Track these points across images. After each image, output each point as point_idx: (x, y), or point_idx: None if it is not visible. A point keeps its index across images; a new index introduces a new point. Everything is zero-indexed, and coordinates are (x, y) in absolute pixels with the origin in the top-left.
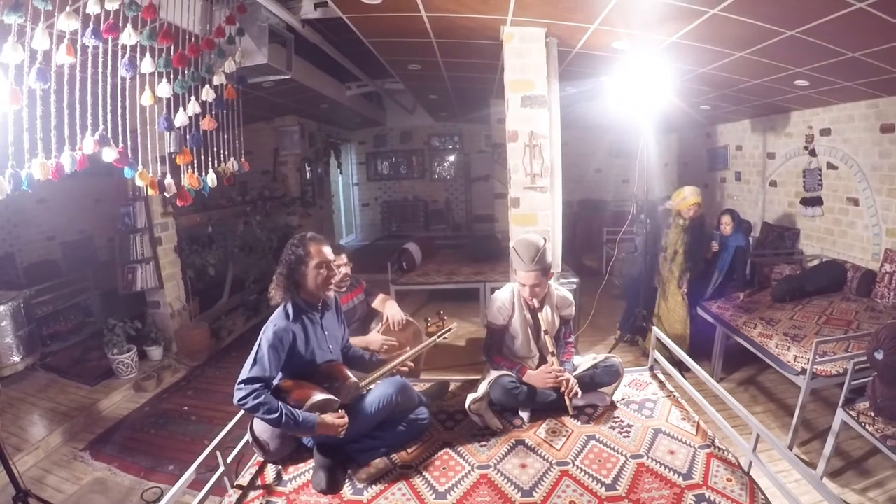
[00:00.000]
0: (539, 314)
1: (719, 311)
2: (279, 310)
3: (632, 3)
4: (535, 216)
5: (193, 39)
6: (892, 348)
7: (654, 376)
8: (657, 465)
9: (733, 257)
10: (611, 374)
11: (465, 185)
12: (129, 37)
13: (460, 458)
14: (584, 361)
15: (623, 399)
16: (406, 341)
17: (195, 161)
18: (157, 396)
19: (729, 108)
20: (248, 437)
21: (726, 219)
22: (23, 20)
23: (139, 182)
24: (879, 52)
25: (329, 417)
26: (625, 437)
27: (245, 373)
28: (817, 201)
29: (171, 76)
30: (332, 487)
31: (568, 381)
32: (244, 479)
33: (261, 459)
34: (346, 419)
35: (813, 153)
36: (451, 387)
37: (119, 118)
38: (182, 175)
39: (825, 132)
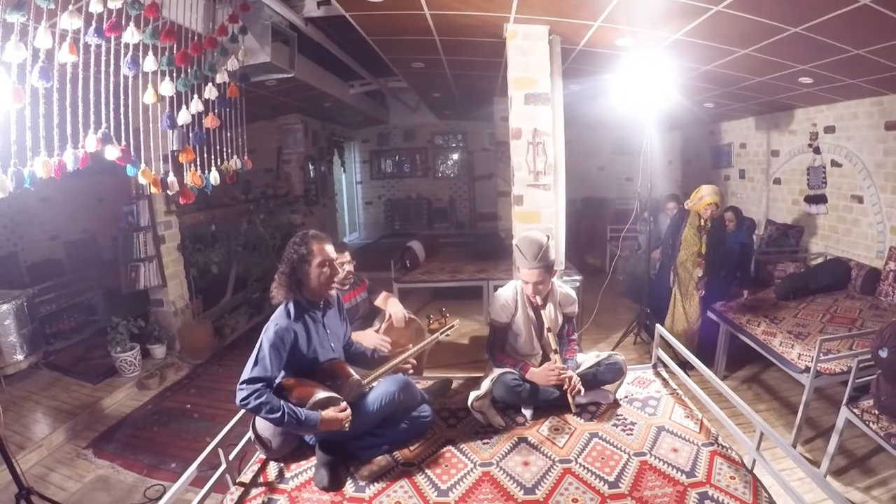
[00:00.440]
0: (542, 311)
1: (723, 308)
2: (280, 309)
3: (635, 0)
4: (538, 214)
5: (196, 38)
6: None
7: (658, 374)
8: (660, 463)
9: (738, 254)
10: (614, 372)
11: (469, 184)
12: (131, 35)
13: (463, 456)
14: (587, 359)
15: (626, 396)
16: (408, 339)
17: (198, 159)
18: (159, 394)
19: (733, 106)
20: (250, 434)
21: (728, 215)
22: (25, 19)
23: (142, 180)
24: (884, 48)
25: (332, 412)
26: (628, 434)
27: (247, 373)
28: (821, 199)
29: (174, 75)
30: (334, 485)
31: (571, 378)
32: (246, 477)
33: (263, 457)
34: (349, 411)
35: (817, 151)
36: (454, 384)
37: (122, 117)
38: (185, 173)
39: (829, 130)
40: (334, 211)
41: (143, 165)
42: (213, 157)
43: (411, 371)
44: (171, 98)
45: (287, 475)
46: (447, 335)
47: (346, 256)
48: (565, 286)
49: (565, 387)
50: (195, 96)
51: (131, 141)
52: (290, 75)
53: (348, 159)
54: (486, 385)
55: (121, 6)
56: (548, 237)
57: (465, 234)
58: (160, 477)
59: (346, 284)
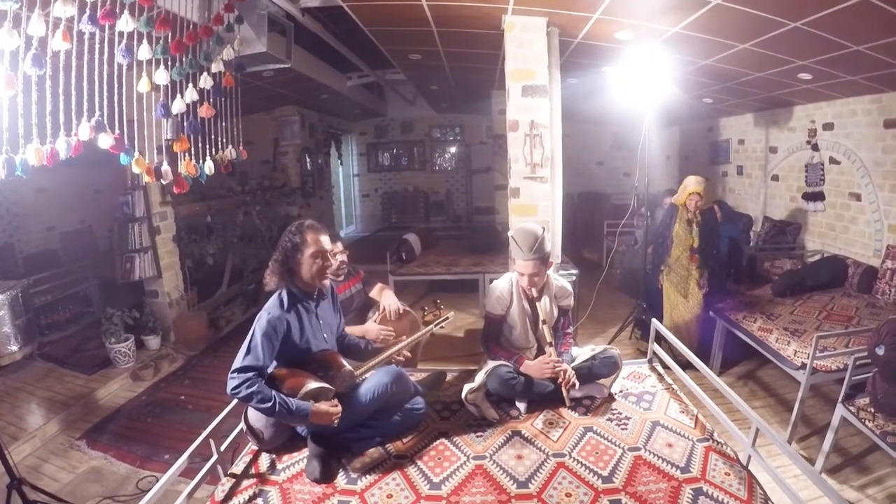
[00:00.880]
0: (537, 304)
1: (719, 304)
2: (273, 298)
3: None
4: (535, 206)
5: (191, 27)
6: (893, 344)
7: (653, 369)
8: (655, 458)
9: (727, 248)
10: (609, 366)
11: (466, 177)
12: (126, 23)
13: (456, 449)
14: (582, 353)
15: (621, 391)
16: (402, 330)
17: (192, 149)
18: (154, 386)
19: (732, 102)
20: (242, 425)
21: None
22: (18, 6)
23: (135, 169)
24: (884, 45)
25: (323, 406)
26: (622, 429)
27: (238, 361)
28: (819, 196)
29: (169, 63)
30: (326, 476)
31: (565, 371)
32: (238, 468)
33: (255, 448)
34: (339, 408)
35: (815, 148)
36: (448, 377)
37: (115, 105)
38: (179, 163)
39: (828, 127)
40: (331, 203)
41: (136, 154)
42: (207, 146)
43: (403, 361)
44: (166, 87)
45: (279, 466)
46: (441, 327)
47: (340, 247)
48: (561, 279)
49: (560, 380)
50: (190, 85)
51: (125, 130)
52: (286, 66)
53: (345, 152)
54: (480, 378)
55: None
56: (543, 228)
57: (462, 227)
58: (153, 468)
59: (340, 275)
